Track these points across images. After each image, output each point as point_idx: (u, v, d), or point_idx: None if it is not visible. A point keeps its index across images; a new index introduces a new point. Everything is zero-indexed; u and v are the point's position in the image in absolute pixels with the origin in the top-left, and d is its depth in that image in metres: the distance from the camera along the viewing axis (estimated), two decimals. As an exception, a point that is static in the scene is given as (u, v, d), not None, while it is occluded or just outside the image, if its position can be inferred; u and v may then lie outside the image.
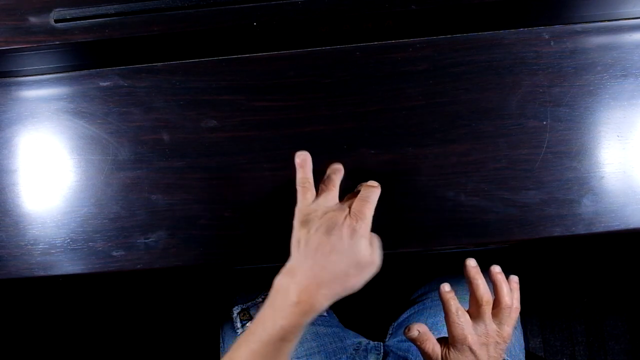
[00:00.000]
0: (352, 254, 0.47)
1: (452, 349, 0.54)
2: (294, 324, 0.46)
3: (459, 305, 0.54)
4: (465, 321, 0.53)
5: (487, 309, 0.53)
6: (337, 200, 0.50)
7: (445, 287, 0.55)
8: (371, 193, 0.49)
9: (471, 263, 0.54)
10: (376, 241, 0.49)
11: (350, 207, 0.48)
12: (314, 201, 0.49)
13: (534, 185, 0.54)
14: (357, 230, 0.47)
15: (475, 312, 0.54)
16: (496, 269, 0.55)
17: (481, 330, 0.53)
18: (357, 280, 0.48)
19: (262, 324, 0.47)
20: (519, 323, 0.74)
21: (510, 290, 0.55)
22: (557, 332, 1.24)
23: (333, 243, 0.47)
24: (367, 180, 0.52)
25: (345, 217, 0.47)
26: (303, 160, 0.51)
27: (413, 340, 0.55)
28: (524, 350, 0.73)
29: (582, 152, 0.54)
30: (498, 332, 0.53)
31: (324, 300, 0.47)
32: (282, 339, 0.46)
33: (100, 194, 0.55)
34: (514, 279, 0.56)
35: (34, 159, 0.56)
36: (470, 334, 0.53)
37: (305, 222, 0.48)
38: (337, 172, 0.52)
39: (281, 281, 0.48)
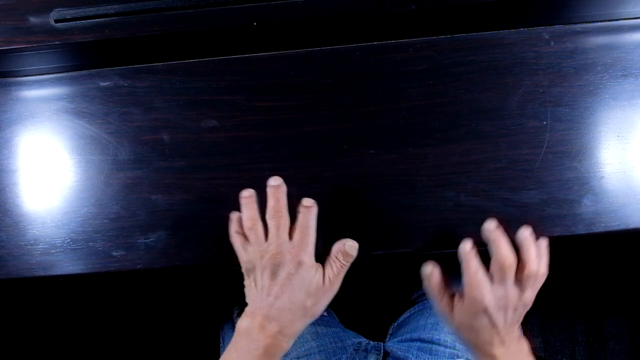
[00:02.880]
0: (305, 287, 0.48)
1: (463, 309, 0.50)
2: None
3: (480, 265, 0.49)
4: (485, 283, 0.49)
5: (510, 273, 0.48)
6: (263, 236, 0.49)
7: (467, 246, 0.50)
8: (309, 218, 0.49)
9: (491, 226, 0.49)
10: (322, 268, 0.50)
11: (290, 238, 0.48)
12: (247, 247, 0.49)
13: (534, 185, 0.53)
14: (303, 262, 0.48)
15: (496, 275, 0.49)
16: (526, 232, 0.49)
17: (500, 294, 0.49)
18: (317, 308, 0.49)
19: None
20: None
21: (539, 255, 0.50)
22: (557, 332, 1.24)
23: (282, 283, 0.47)
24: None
25: (287, 253, 0.47)
26: (232, 215, 0.51)
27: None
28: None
29: (582, 152, 0.54)
30: (519, 296, 0.49)
31: (289, 339, 0.48)
32: None
33: (100, 194, 0.55)
34: (544, 242, 0.51)
35: (34, 159, 0.56)
36: (488, 296, 0.48)
37: (249, 270, 0.49)
38: (250, 204, 0.49)
39: (244, 325, 0.48)
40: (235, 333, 0.49)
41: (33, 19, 0.51)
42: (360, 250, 0.52)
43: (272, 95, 0.55)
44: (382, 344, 0.71)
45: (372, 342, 0.71)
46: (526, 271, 0.48)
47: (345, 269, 0.50)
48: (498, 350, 0.50)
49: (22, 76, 0.57)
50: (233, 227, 0.51)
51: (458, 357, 0.65)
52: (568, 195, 0.53)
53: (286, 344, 0.48)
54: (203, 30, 0.51)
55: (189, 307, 1.25)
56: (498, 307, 0.49)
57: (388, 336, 0.77)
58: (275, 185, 0.49)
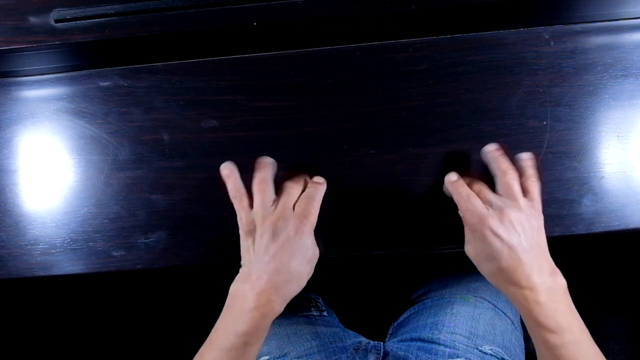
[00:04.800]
0: (302, 253, 0.48)
1: (473, 241, 0.49)
2: (255, 328, 0.46)
3: (469, 190, 0.49)
4: (477, 202, 0.48)
5: (515, 184, 0.48)
6: (272, 197, 0.49)
7: (452, 177, 0.50)
8: (317, 191, 0.50)
9: (491, 147, 0.51)
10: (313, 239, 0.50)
11: (294, 206, 0.49)
12: (252, 209, 0.49)
13: (534, 185, 0.53)
14: (303, 230, 0.48)
15: (501, 189, 0.49)
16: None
17: (498, 207, 0.48)
18: (309, 275, 0.50)
19: (223, 331, 0.48)
20: (519, 324, 0.74)
21: (522, 166, 0.50)
22: (557, 332, 1.23)
23: (281, 245, 0.47)
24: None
25: (289, 218, 0.48)
26: (229, 171, 0.50)
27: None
28: (524, 351, 0.73)
29: (582, 152, 0.54)
30: (517, 206, 0.47)
31: (282, 301, 0.48)
32: (245, 343, 0.46)
33: (100, 194, 0.55)
34: (525, 155, 0.51)
35: (34, 159, 0.56)
36: (484, 214, 0.47)
37: (250, 232, 0.49)
38: (265, 168, 0.50)
39: (237, 287, 0.48)
40: (229, 296, 0.49)
41: (33, 19, 0.51)
42: (360, 250, 0.52)
43: (272, 95, 0.55)
44: (382, 343, 0.71)
45: (372, 342, 0.71)
46: (504, 180, 0.48)
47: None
48: (530, 280, 0.46)
49: (22, 76, 0.57)
50: (234, 186, 0.50)
51: (458, 357, 0.65)
52: (568, 195, 0.53)
53: (279, 307, 0.48)
54: (203, 30, 0.51)
55: (188, 307, 1.25)
56: (501, 221, 0.47)
57: (388, 336, 0.77)
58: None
